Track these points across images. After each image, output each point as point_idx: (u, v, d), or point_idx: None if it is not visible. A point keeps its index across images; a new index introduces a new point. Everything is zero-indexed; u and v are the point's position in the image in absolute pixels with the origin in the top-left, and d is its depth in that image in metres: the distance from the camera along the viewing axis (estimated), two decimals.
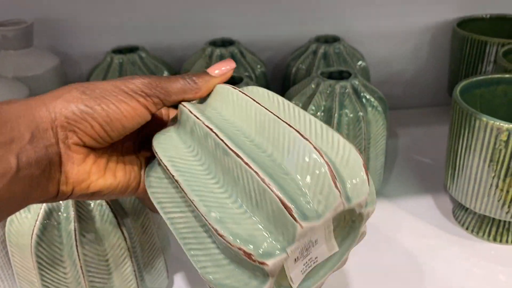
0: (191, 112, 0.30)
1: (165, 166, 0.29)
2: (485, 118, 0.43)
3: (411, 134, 0.71)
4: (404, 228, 0.53)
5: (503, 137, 0.42)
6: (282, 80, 0.68)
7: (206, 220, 0.26)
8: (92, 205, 0.36)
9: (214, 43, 0.64)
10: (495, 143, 0.43)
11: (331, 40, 0.65)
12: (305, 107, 0.51)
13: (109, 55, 0.62)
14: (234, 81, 0.53)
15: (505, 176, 0.44)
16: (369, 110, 0.51)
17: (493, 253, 0.49)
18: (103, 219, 0.36)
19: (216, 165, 0.28)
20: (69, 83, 0.69)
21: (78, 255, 0.36)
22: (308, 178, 0.26)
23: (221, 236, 0.25)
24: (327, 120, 0.50)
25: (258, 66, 0.64)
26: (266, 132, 0.28)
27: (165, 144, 0.30)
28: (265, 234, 0.25)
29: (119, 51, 0.63)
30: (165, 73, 0.62)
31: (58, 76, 0.63)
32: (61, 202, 0.36)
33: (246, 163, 0.26)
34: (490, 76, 0.51)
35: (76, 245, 0.36)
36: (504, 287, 0.44)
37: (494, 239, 0.50)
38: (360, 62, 0.64)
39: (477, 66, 0.66)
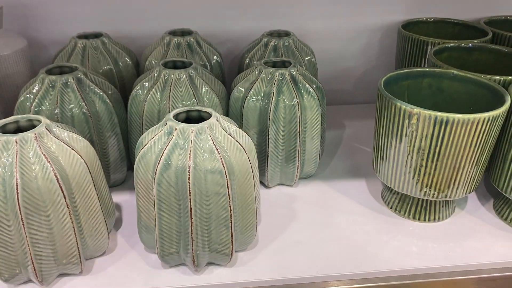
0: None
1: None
2: (399, 103, 0.47)
3: (357, 126, 0.76)
4: (336, 207, 0.57)
5: (414, 119, 0.47)
6: (237, 70, 0.73)
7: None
8: (34, 165, 0.40)
9: (174, 33, 0.69)
10: (408, 126, 0.48)
11: (283, 34, 0.70)
12: (247, 92, 0.56)
13: (73, 39, 0.66)
14: (184, 65, 0.58)
15: (417, 156, 0.48)
16: (305, 97, 0.56)
17: (411, 229, 0.54)
18: (44, 177, 0.40)
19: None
20: (36, 65, 0.73)
21: (19, 208, 0.40)
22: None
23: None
24: (266, 104, 0.55)
25: (215, 57, 0.68)
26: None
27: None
28: None
29: (85, 36, 0.67)
30: (126, 58, 0.67)
31: (25, 57, 0.67)
32: (5, 160, 0.40)
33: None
34: (415, 69, 0.56)
35: (18, 199, 0.40)
36: (414, 258, 0.49)
37: (414, 217, 0.55)
38: (308, 57, 0.68)
39: (418, 64, 0.71)
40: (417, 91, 0.57)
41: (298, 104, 0.55)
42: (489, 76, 0.54)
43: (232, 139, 0.44)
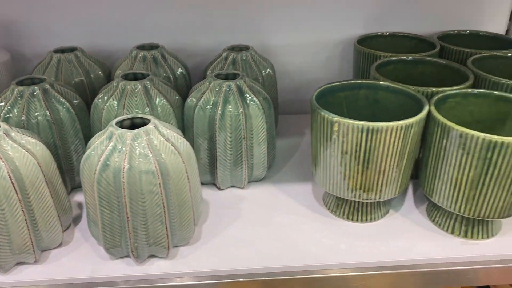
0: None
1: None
2: (322, 112, 0.52)
3: None
4: (280, 208, 0.62)
5: (336, 127, 0.51)
6: None
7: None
8: None
9: (143, 47, 0.75)
10: (331, 133, 0.52)
11: (243, 49, 0.75)
12: (198, 101, 0.61)
13: (50, 53, 0.72)
14: (143, 76, 0.63)
15: (342, 161, 0.53)
16: (251, 106, 0.61)
17: (344, 228, 0.58)
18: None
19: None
20: (19, 77, 0.80)
21: None
22: None
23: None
24: (213, 112, 0.60)
25: (179, 69, 0.74)
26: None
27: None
28: None
29: (61, 51, 0.74)
30: (98, 71, 0.73)
31: (7, 70, 0.74)
32: None
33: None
34: (350, 81, 0.61)
35: None
36: (341, 254, 0.54)
37: (348, 218, 0.59)
38: (266, 71, 0.73)
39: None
40: (355, 102, 0.62)
41: (242, 113, 0.60)
42: (421, 88, 0.58)
43: (168, 143, 0.49)
